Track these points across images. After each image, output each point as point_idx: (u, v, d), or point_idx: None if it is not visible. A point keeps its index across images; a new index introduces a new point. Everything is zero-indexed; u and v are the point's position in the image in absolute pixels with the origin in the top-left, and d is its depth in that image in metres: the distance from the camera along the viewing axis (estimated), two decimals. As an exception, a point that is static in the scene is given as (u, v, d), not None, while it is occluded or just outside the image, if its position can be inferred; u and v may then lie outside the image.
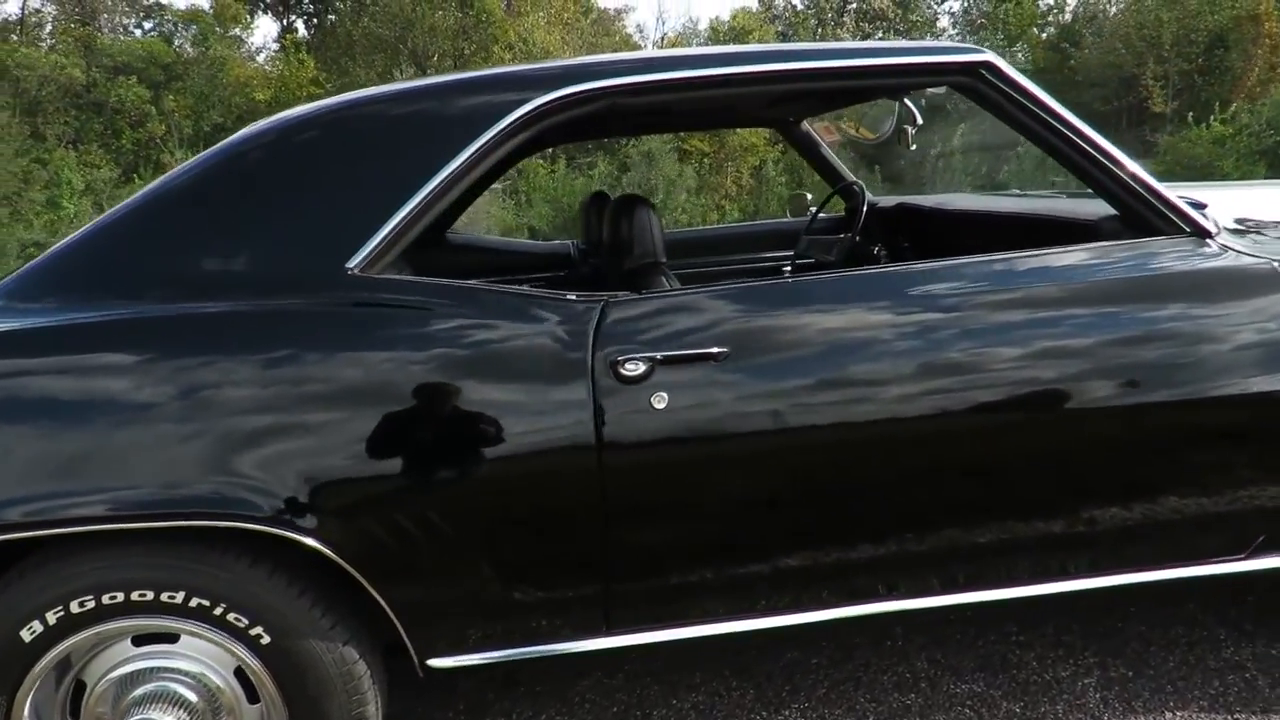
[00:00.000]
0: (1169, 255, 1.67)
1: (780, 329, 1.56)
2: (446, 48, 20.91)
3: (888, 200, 3.14)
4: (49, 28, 21.04)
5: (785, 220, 3.45)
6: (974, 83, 1.69)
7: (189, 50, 21.09)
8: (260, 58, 24.57)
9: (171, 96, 19.24)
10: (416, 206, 1.50)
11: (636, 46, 26.21)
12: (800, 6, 25.96)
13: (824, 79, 1.73)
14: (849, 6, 25.66)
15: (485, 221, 15.76)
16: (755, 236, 3.33)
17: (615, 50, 25.25)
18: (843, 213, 3.10)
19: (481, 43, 21.11)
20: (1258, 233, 1.91)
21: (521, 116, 1.54)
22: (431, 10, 20.29)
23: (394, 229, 1.50)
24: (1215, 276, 1.66)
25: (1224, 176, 13.62)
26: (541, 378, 1.47)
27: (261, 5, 25.53)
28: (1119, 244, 1.68)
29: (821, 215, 3.10)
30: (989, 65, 1.69)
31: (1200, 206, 2.09)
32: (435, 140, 1.54)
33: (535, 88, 1.56)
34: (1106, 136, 1.70)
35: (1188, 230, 1.68)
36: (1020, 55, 21.76)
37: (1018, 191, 2.99)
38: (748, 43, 22.74)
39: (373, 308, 1.48)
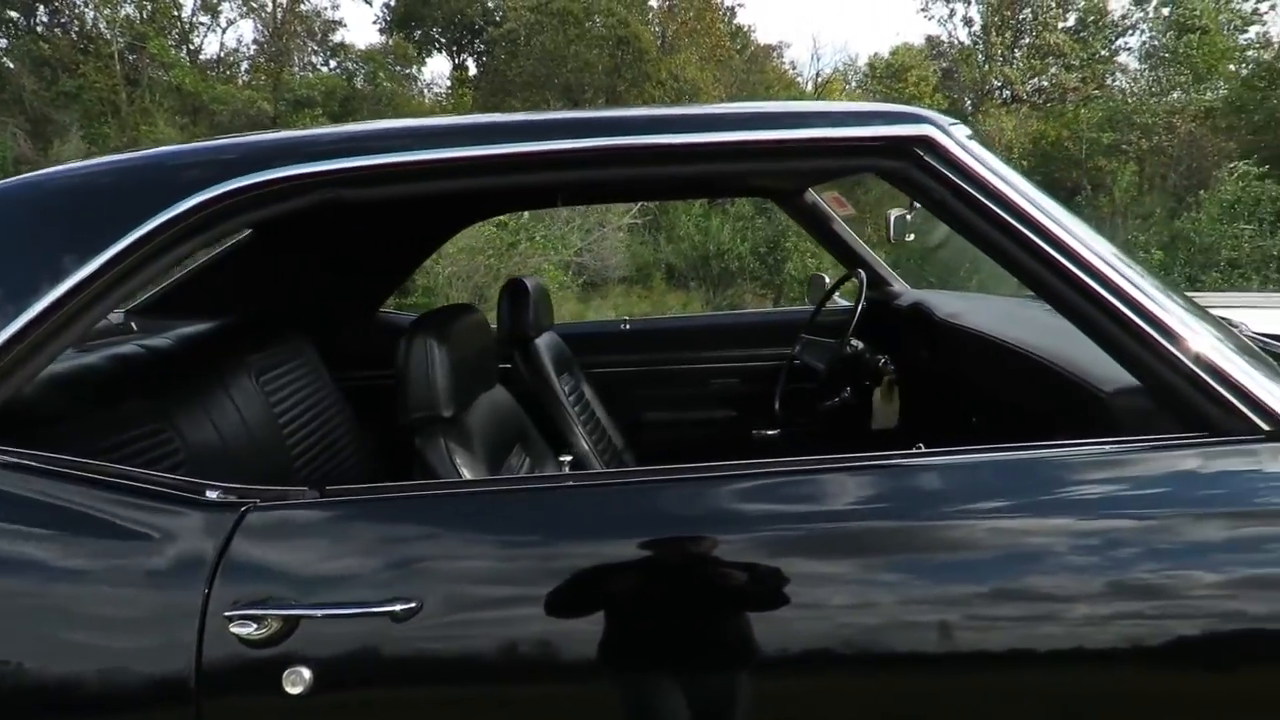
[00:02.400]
0: (1217, 475, 1.04)
1: (491, 569, 1.04)
2: (600, 83, 21.41)
3: (912, 295, 2.56)
4: (245, 65, 23.09)
5: (800, 309, 2.87)
6: (906, 168, 1.17)
7: (363, 86, 22.56)
8: (429, 93, 25.99)
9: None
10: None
11: (793, 83, 25.92)
12: (967, 42, 24.92)
13: (642, 162, 1.19)
14: (1021, 41, 24.41)
15: (617, 258, 15.89)
16: (755, 328, 2.80)
17: (768, 88, 25.13)
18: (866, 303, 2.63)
19: (634, 80, 21.48)
20: None
21: (156, 229, 1.10)
22: (587, 48, 20.86)
23: None
24: None
25: None
26: (124, 627, 1.00)
27: (437, 45, 27.10)
28: (1131, 444, 1.08)
29: (835, 306, 2.58)
30: (926, 142, 1.16)
31: None
32: (27, 255, 1.11)
33: (187, 183, 1.12)
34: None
35: (1264, 430, 1.05)
36: (1210, 94, 19.88)
37: None
38: (907, 80, 22.01)
39: None
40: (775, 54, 26.54)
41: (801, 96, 24.22)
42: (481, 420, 1.62)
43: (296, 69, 23.55)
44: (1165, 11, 20.64)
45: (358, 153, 1.15)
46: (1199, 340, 1.08)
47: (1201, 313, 1.19)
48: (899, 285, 2.67)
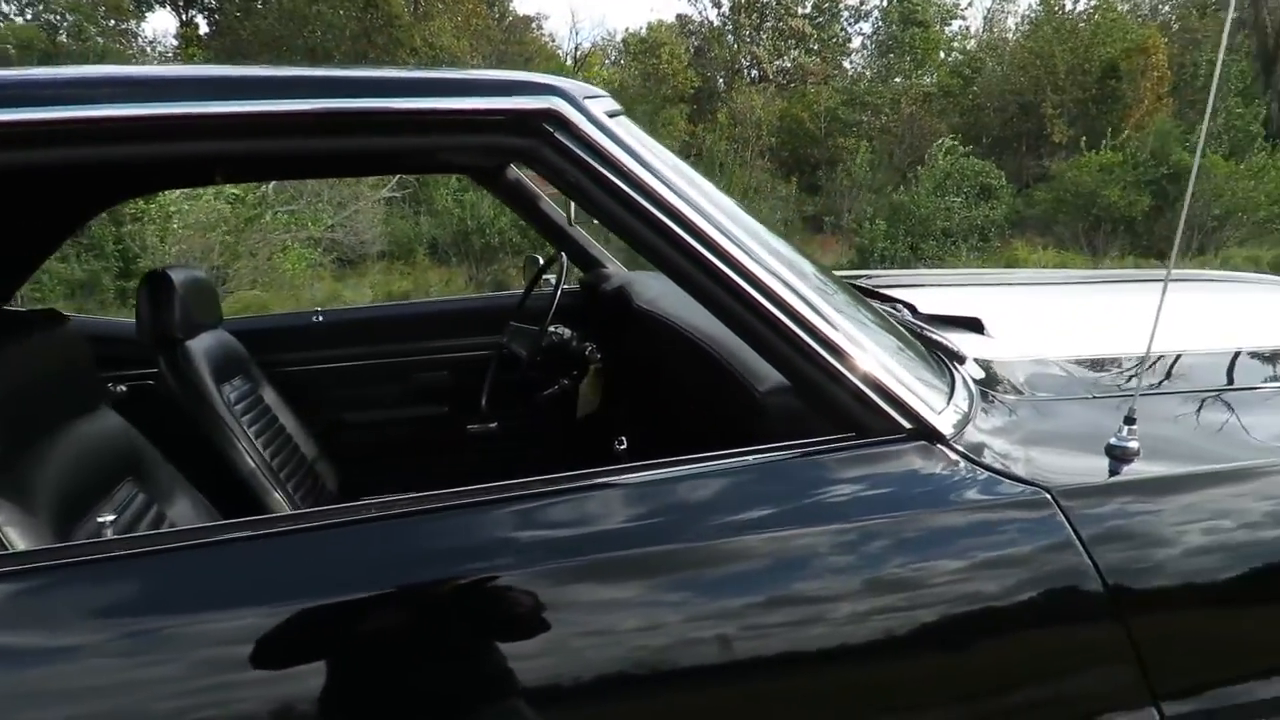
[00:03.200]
0: (863, 477, 1.02)
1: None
2: (348, 49, 20.21)
3: (621, 278, 2.42)
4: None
5: (516, 293, 2.63)
6: (536, 146, 1.02)
7: (68, 40, 19.89)
8: (152, 52, 23.35)
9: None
10: None
11: (553, 55, 25.77)
12: (717, 23, 25.90)
13: (193, 135, 0.95)
14: (765, 24, 25.71)
15: (373, 232, 15.15)
16: (467, 316, 2.58)
17: (528, 60, 24.81)
18: (577, 285, 2.52)
19: (386, 46, 20.46)
20: (1008, 408, 1.20)
21: None
22: (332, 9, 19.58)
23: None
24: (936, 532, 0.99)
25: (1110, 205, 13.87)
26: None
27: (158, -2, 24.36)
28: (774, 451, 1.04)
29: (545, 291, 2.40)
30: (554, 117, 1.02)
31: (974, 326, 1.55)
32: None
33: None
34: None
35: (905, 429, 1.04)
36: (926, 79, 22.02)
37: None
38: (660, 56, 22.54)
39: None
40: (534, 25, 26.27)
41: (561, 69, 24.15)
42: (58, 460, 1.30)
43: (-18, 18, 20.33)
44: (896, 1, 22.51)
45: None
46: (843, 339, 1.04)
47: (854, 306, 1.16)
48: (613, 267, 2.62)
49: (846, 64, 25.38)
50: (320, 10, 19.40)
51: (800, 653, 0.95)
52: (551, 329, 2.16)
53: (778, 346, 1.03)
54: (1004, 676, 1.01)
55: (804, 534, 0.98)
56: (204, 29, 24.34)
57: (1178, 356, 1.46)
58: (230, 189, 11.42)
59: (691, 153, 18.51)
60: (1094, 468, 1.08)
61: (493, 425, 2.44)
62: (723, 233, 1.04)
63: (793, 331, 1.03)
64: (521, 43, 24.39)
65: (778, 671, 0.95)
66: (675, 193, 1.04)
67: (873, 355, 1.05)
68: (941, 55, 22.93)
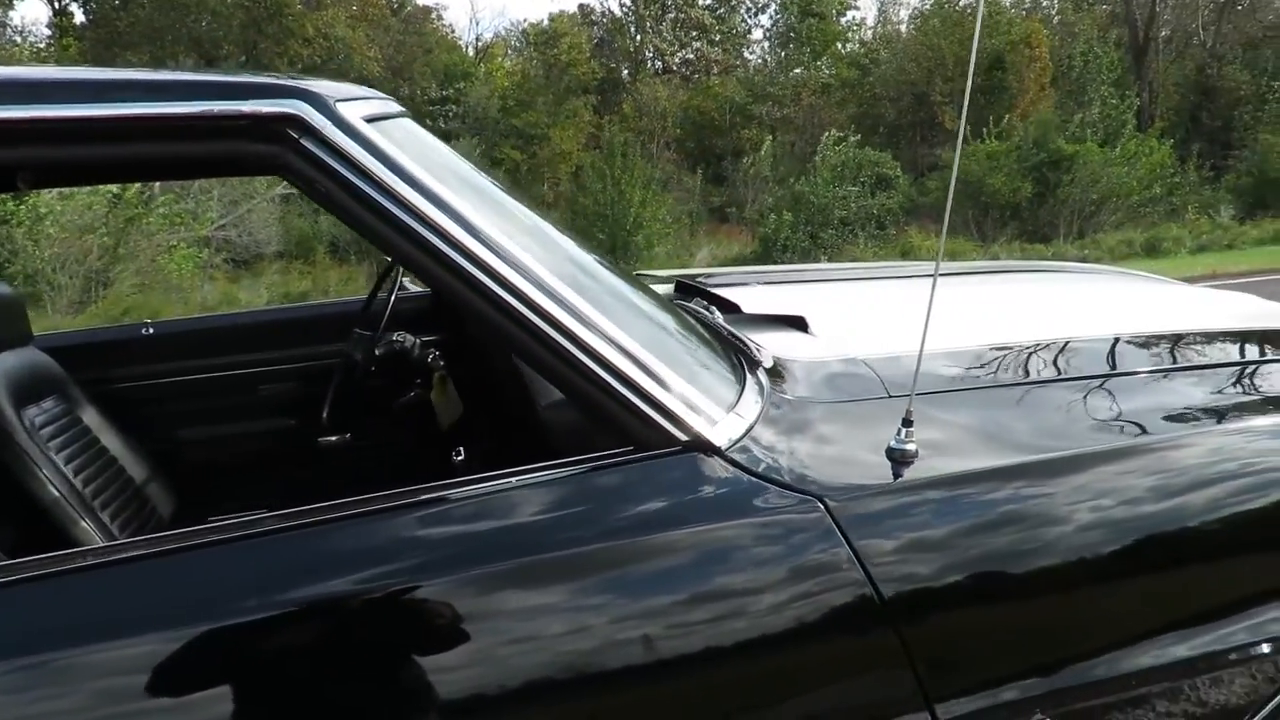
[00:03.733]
0: (639, 493, 1.00)
1: None
2: (236, 38, 19.48)
3: None
4: None
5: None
6: (281, 153, 0.96)
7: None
8: (22, 42, 22.02)
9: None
10: None
11: (455, 46, 25.33)
12: (618, 13, 25.86)
13: None
14: (666, 16, 25.78)
15: (268, 231, 14.66)
16: (314, 323, 2.41)
17: (429, 51, 24.28)
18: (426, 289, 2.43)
19: (277, 36, 19.77)
20: (800, 413, 1.17)
21: None
22: (216, -3, 18.83)
23: None
24: (709, 546, 0.98)
25: (995, 192, 14.41)
26: None
27: (28, -16, 23.01)
28: (545, 469, 0.99)
29: (391, 294, 2.24)
30: (298, 123, 0.95)
31: (799, 325, 1.52)
32: None
33: None
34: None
35: (681, 441, 1.01)
36: (826, 71, 22.46)
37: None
38: (559, 47, 22.39)
39: None
40: (434, 15, 25.75)
41: (463, 60, 23.78)
42: None
43: None
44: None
45: None
46: (612, 351, 1.00)
47: (637, 314, 1.13)
48: None
49: (748, 54, 25.71)
50: (203, -1, 18.63)
51: (571, 678, 0.94)
52: (395, 336, 2.10)
53: (547, 360, 0.99)
54: (779, 690, 1.01)
55: (574, 554, 0.96)
56: (80, 18, 23.09)
57: (974, 351, 1.45)
58: (109, 187, 10.86)
59: (595, 145, 18.46)
60: (875, 472, 1.09)
61: (346, 436, 2.35)
62: (485, 243, 0.99)
63: (560, 344, 0.98)
64: (420, 33, 23.88)
65: (543, 697, 0.94)
66: (434, 202, 0.98)
67: (646, 366, 1.01)
68: (838, 46, 23.41)
